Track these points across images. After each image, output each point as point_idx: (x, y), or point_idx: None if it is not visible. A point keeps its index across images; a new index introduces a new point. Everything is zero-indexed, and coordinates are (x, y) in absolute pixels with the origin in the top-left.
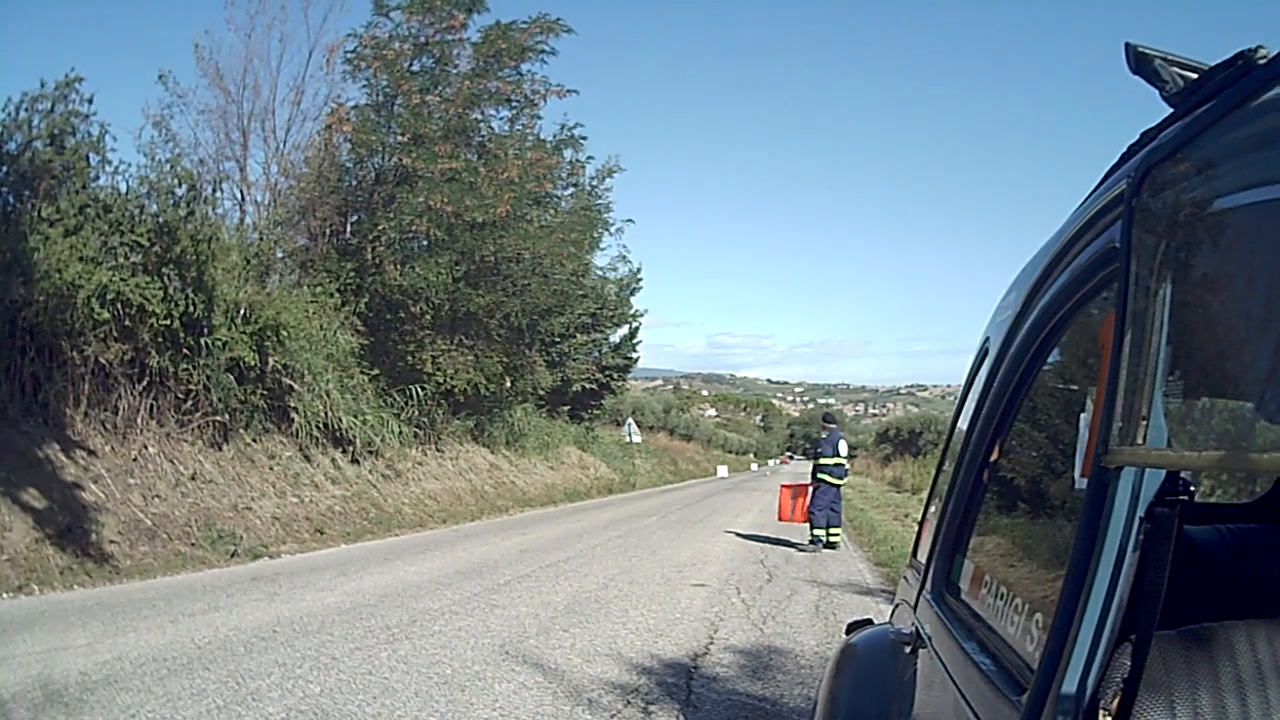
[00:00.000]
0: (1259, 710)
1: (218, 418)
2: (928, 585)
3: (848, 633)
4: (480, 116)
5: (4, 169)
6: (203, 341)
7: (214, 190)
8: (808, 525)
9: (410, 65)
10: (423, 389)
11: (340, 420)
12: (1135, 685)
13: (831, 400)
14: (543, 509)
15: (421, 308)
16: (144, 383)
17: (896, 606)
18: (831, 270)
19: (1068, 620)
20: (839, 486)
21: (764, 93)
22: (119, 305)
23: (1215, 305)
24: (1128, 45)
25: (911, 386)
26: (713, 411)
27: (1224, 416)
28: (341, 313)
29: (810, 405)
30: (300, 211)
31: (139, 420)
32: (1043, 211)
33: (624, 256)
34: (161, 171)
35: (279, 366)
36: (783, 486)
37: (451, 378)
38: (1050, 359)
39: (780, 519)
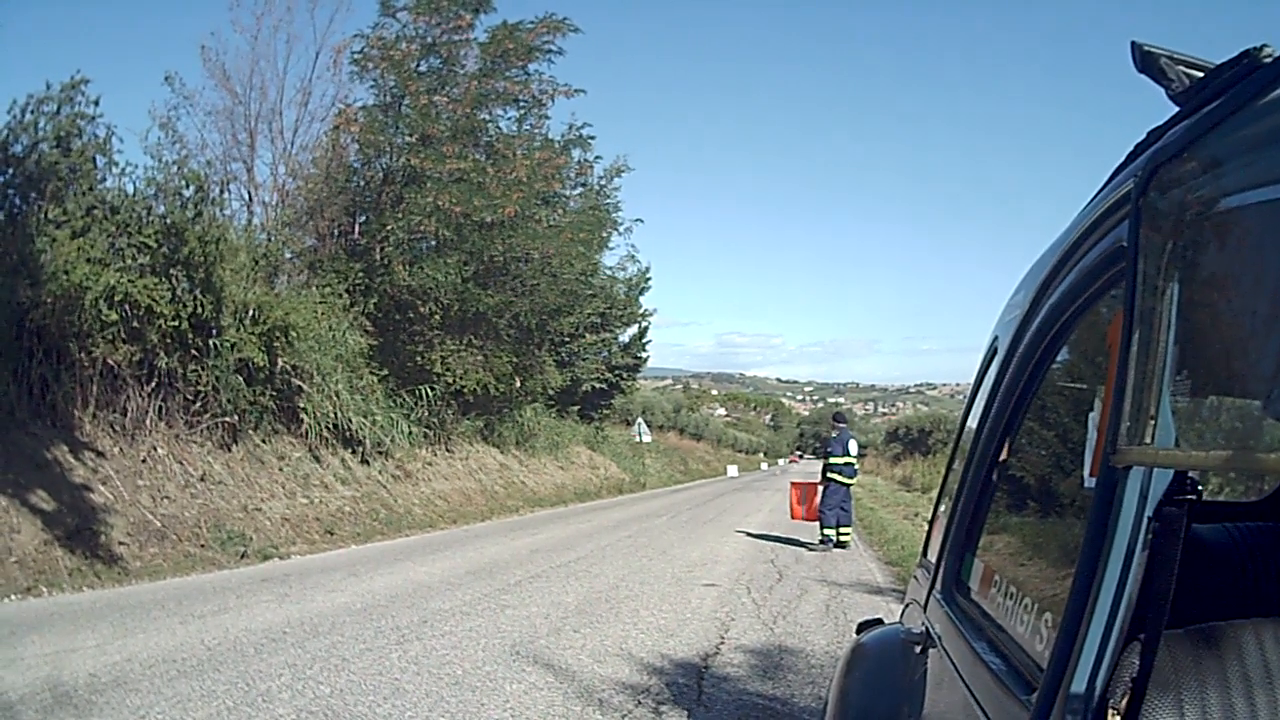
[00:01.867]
0: (1267, 709)
1: (227, 419)
2: (938, 585)
3: (858, 632)
4: (488, 116)
5: (10, 171)
6: (211, 342)
7: (221, 191)
8: (818, 524)
9: (417, 66)
10: (432, 389)
11: (350, 421)
12: (1144, 684)
13: (841, 399)
14: (553, 509)
15: (430, 308)
16: (152, 384)
17: (907, 606)
18: (840, 270)
19: (1077, 619)
20: (849, 485)
21: (773, 92)
22: (127, 306)
23: (1223, 304)
24: (1134, 44)
25: (921, 385)
26: (722, 411)
27: (1232, 415)
28: (350, 313)
29: (820, 404)
30: (308, 212)
31: (148, 421)
32: (1050, 210)
33: (633, 256)
34: (169, 173)
35: (288, 367)
36: (792, 484)
37: (461, 378)
38: (1058, 358)
39: (792, 518)
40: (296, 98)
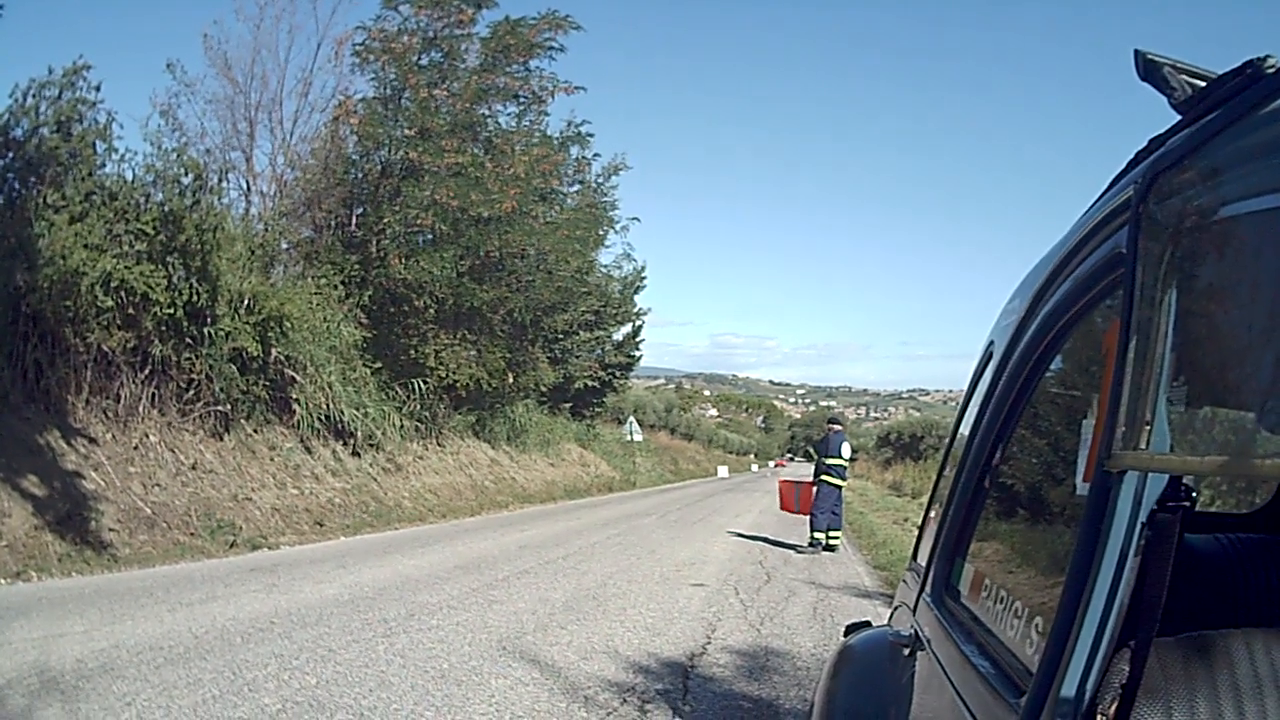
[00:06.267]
0: (1256, 719)
1: (219, 408)
2: (927, 588)
3: (846, 634)
4: (487, 112)
5: (10, 155)
6: (206, 331)
7: (220, 180)
8: (808, 526)
9: (418, 59)
10: (425, 383)
11: (342, 413)
12: (1133, 691)
13: (833, 403)
14: (542, 505)
15: (425, 302)
16: (146, 371)
17: (895, 609)
18: (835, 273)
19: (1067, 625)
20: (840, 488)
21: (772, 95)
22: (123, 293)
23: (1220, 314)
24: (1137, 52)
25: (913, 390)
26: (714, 412)
27: (1226, 426)
28: (345, 305)
29: (812, 407)
30: (306, 203)
31: (140, 409)
32: (1048, 217)
33: (628, 254)
34: (168, 160)
35: (281, 358)
36: (781, 482)
37: (454, 372)
38: (1054, 365)
39: (781, 508)
40: (297, 88)
